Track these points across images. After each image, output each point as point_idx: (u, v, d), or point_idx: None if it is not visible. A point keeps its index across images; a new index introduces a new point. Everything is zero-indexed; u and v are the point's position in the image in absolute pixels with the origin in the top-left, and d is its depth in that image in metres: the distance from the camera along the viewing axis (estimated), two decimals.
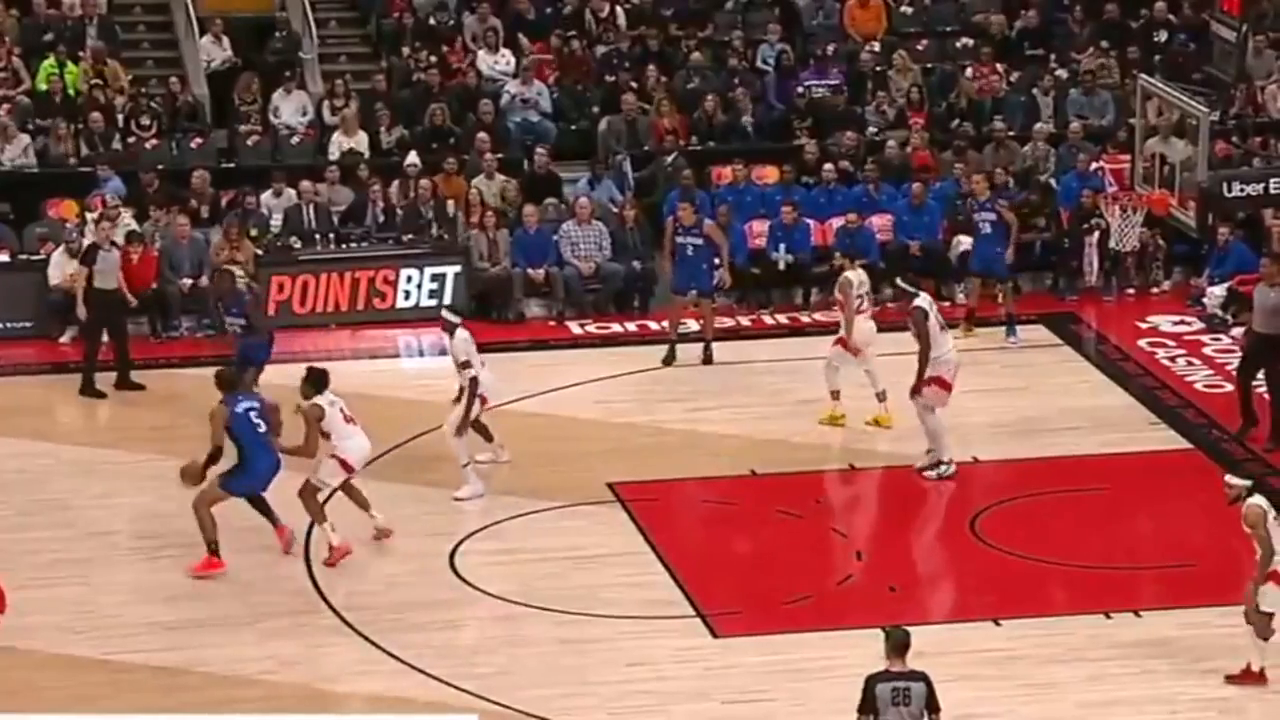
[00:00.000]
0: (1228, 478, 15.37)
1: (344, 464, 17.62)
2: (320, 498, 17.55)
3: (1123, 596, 16.96)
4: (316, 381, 17.71)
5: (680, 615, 16.64)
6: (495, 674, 15.64)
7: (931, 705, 12.81)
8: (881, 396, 20.24)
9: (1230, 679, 15.32)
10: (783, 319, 24.26)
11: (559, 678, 15.60)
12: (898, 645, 12.90)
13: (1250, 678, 15.26)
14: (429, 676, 15.60)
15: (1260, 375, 20.24)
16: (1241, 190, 21.79)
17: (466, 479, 18.74)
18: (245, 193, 24.81)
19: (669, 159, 25.95)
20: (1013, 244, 23.10)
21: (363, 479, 19.20)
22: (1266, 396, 20.19)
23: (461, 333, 18.83)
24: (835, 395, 20.43)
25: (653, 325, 23.86)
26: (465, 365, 18.70)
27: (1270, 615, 15.18)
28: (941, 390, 19.14)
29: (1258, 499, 15.13)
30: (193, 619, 16.60)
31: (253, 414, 17.29)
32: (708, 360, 22.22)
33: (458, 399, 18.89)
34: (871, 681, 12.78)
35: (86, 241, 22.97)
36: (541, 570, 17.45)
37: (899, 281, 20.27)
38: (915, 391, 19.03)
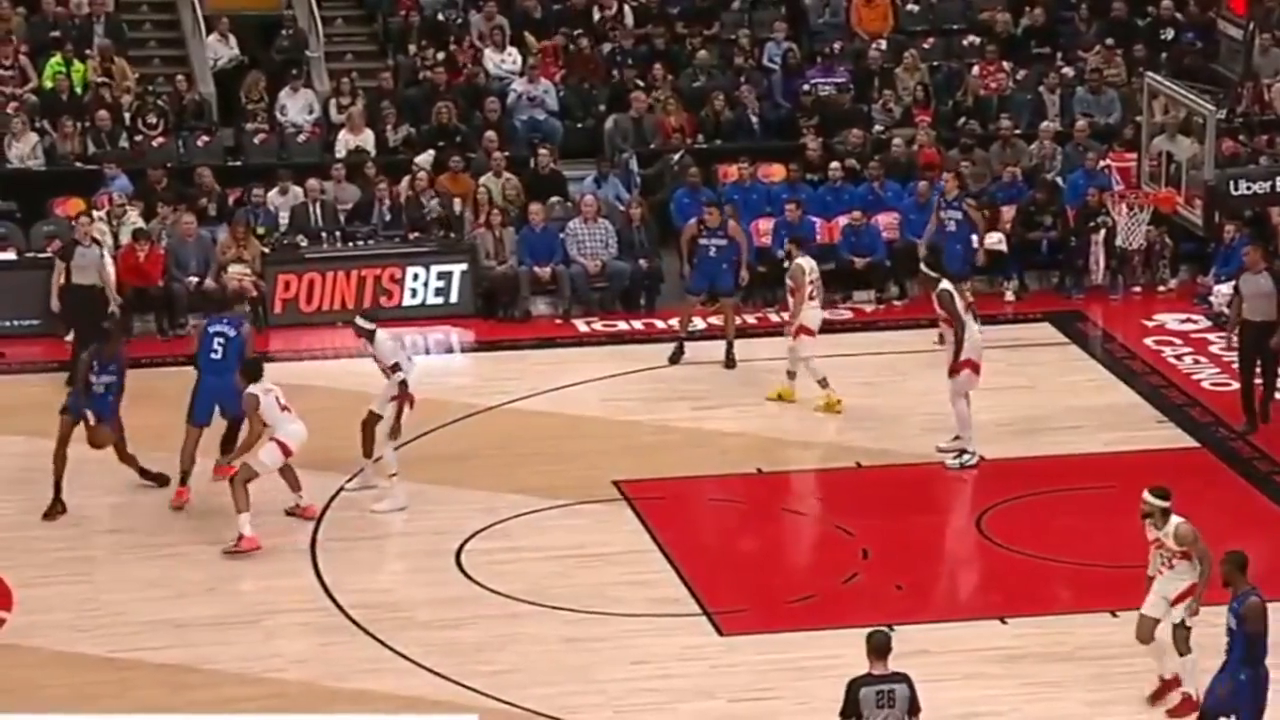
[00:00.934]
0: (1145, 494, 14.84)
1: (284, 448, 17.91)
2: (252, 485, 17.73)
3: (1128, 595, 16.89)
4: (251, 372, 18.05)
5: (686, 613, 16.64)
6: (502, 672, 15.64)
7: (913, 707, 12.83)
8: (792, 376, 20.72)
9: (1170, 713, 14.91)
10: (787, 316, 24.18)
11: (565, 676, 15.61)
12: (879, 648, 12.92)
13: (1188, 706, 14.78)
14: (436, 675, 15.62)
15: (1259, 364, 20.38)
16: (1248, 188, 21.77)
17: (391, 492, 18.64)
18: (252, 191, 24.81)
19: (675, 157, 25.95)
20: (980, 244, 23.02)
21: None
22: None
23: (381, 334, 18.91)
24: (824, 384, 20.53)
25: (659, 323, 23.86)
26: (395, 368, 18.68)
27: (1187, 630, 14.82)
28: (973, 375, 19.20)
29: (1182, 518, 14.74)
30: (199, 617, 16.62)
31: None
32: (730, 364, 22.07)
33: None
34: (855, 685, 12.79)
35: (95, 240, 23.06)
36: (547, 568, 17.46)
37: (923, 267, 20.34)
38: (954, 372, 19.05)
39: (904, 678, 12.86)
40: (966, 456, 19.36)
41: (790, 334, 21.02)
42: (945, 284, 19.46)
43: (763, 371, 22.22)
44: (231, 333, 18.70)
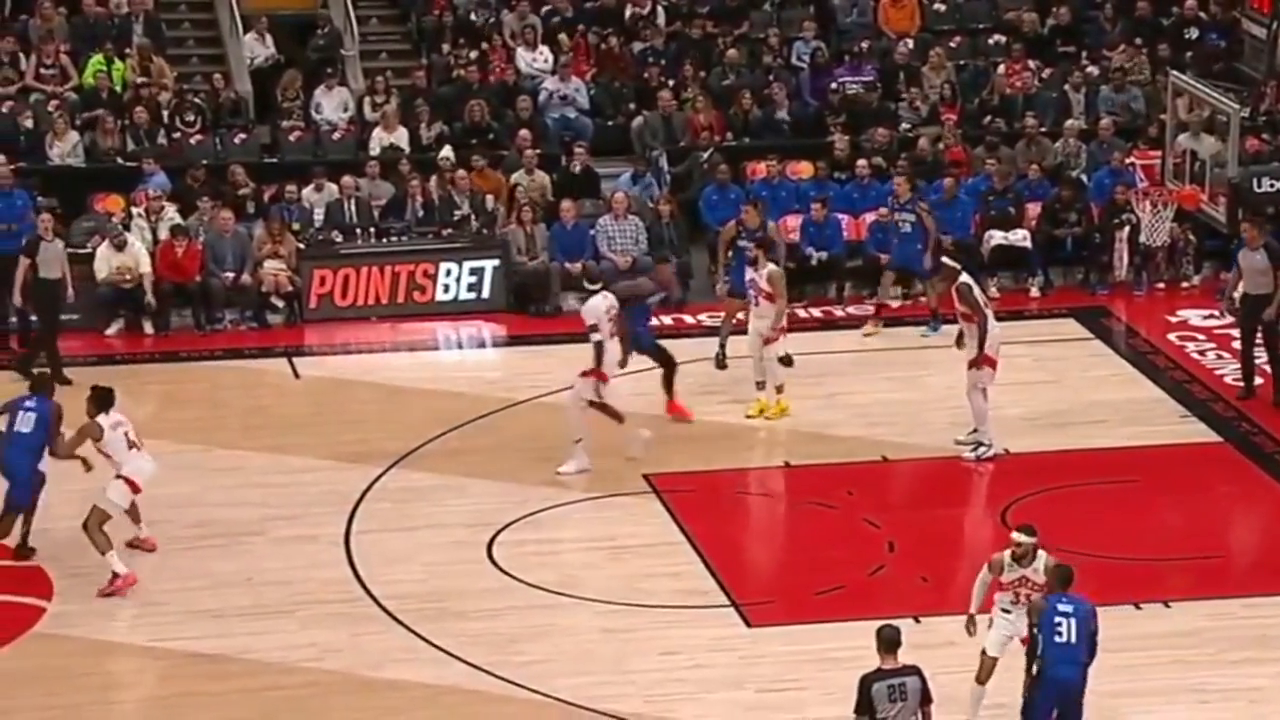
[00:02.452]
0: (1016, 535, 14.43)
1: (131, 485, 16.98)
2: (108, 526, 16.93)
3: (1152, 587, 16.93)
4: (100, 401, 17.10)
5: (715, 605, 16.64)
6: (534, 662, 15.66)
7: (925, 698, 12.81)
8: (762, 386, 20.38)
9: None
10: (816, 313, 24.23)
11: (597, 666, 15.62)
12: (889, 642, 12.90)
13: None
14: (469, 665, 15.63)
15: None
16: (1272, 186, 21.80)
17: (575, 453, 18.88)
18: (287, 187, 24.86)
19: (705, 155, 25.94)
20: (930, 247, 22.92)
21: (401, 470, 19.36)
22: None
23: (597, 299, 19.23)
24: (762, 386, 20.41)
25: (688, 319, 23.86)
26: (593, 329, 18.98)
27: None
28: (990, 369, 19.17)
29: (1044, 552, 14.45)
30: (237, 607, 16.66)
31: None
32: (788, 361, 21.41)
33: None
34: (867, 681, 12.78)
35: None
36: (579, 560, 17.47)
37: (944, 259, 20.27)
38: (976, 364, 19.03)
39: (915, 670, 12.85)
40: (983, 449, 19.35)
41: (763, 340, 20.43)
42: (965, 276, 19.43)
43: (793, 365, 22.21)
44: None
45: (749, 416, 20.40)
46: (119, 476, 16.99)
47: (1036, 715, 13.76)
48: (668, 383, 20.27)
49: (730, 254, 22.78)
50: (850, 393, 21.17)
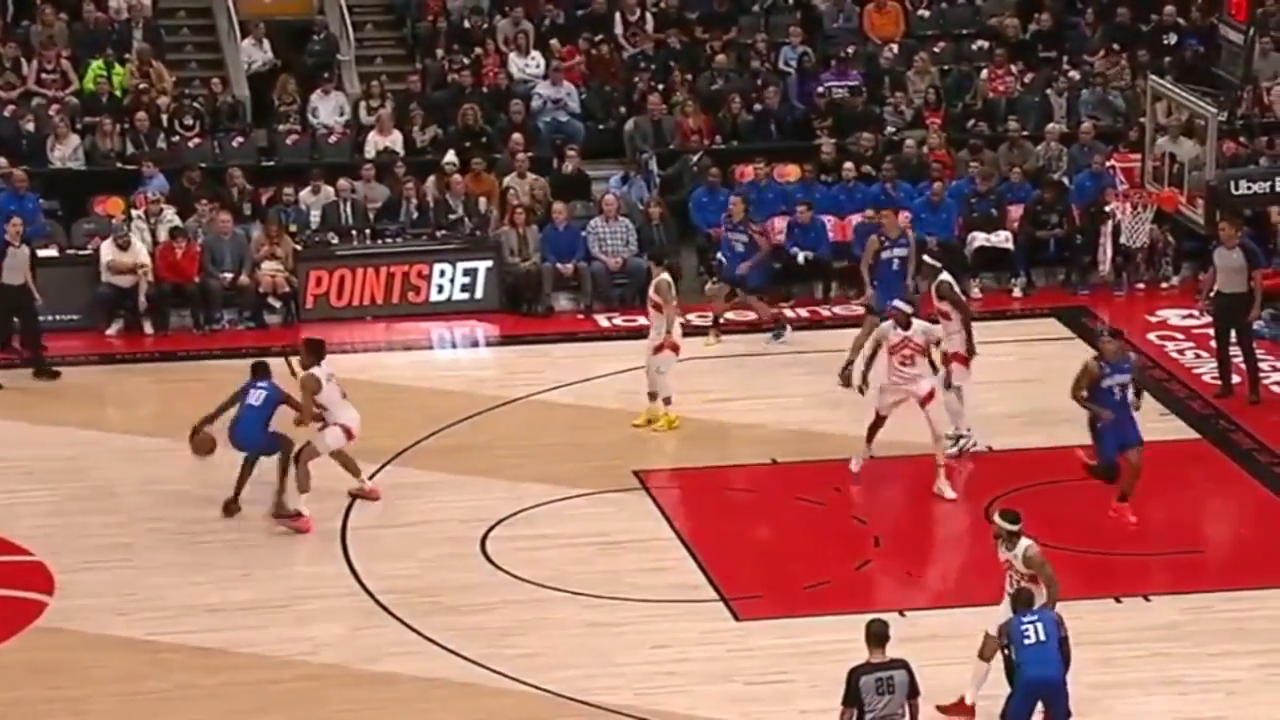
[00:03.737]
0: (995, 518, 14.57)
1: (348, 431, 17.99)
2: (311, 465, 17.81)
3: (1132, 581, 16.96)
4: (315, 352, 18.03)
5: (704, 599, 16.66)
6: (526, 655, 15.67)
7: (913, 690, 12.83)
8: (653, 397, 20.02)
9: (941, 709, 14.49)
10: (803, 312, 24.25)
11: (587, 659, 15.63)
12: (877, 636, 12.92)
13: (961, 709, 14.55)
14: (462, 658, 15.65)
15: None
16: (1248, 188, 21.78)
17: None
18: (284, 190, 24.86)
19: (694, 158, 25.96)
20: (759, 262, 22.93)
21: (396, 467, 19.38)
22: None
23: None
24: (654, 397, 20.11)
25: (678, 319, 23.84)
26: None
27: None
28: (962, 366, 19.20)
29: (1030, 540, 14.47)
30: (235, 601, 16.66)
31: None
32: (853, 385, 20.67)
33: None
34: (855, 674, 12.79)
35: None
36: (570, 555, 17.48)
37: (924, 258, 20.30)
38: (950, 362, 19.05)
39: (903, 664, 12.87)
40: (964, 441, 19.38)
41: (654, 350, 20.10)
42: (945, 275, 19.47)
43: (780, 365, 22.26)
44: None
45: (635, 425, 20.09)
46: (336, 424, 17.82)
47: (1014, 716, 13.73)
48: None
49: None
50: (837, 391, 21.16)
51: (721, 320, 22.99)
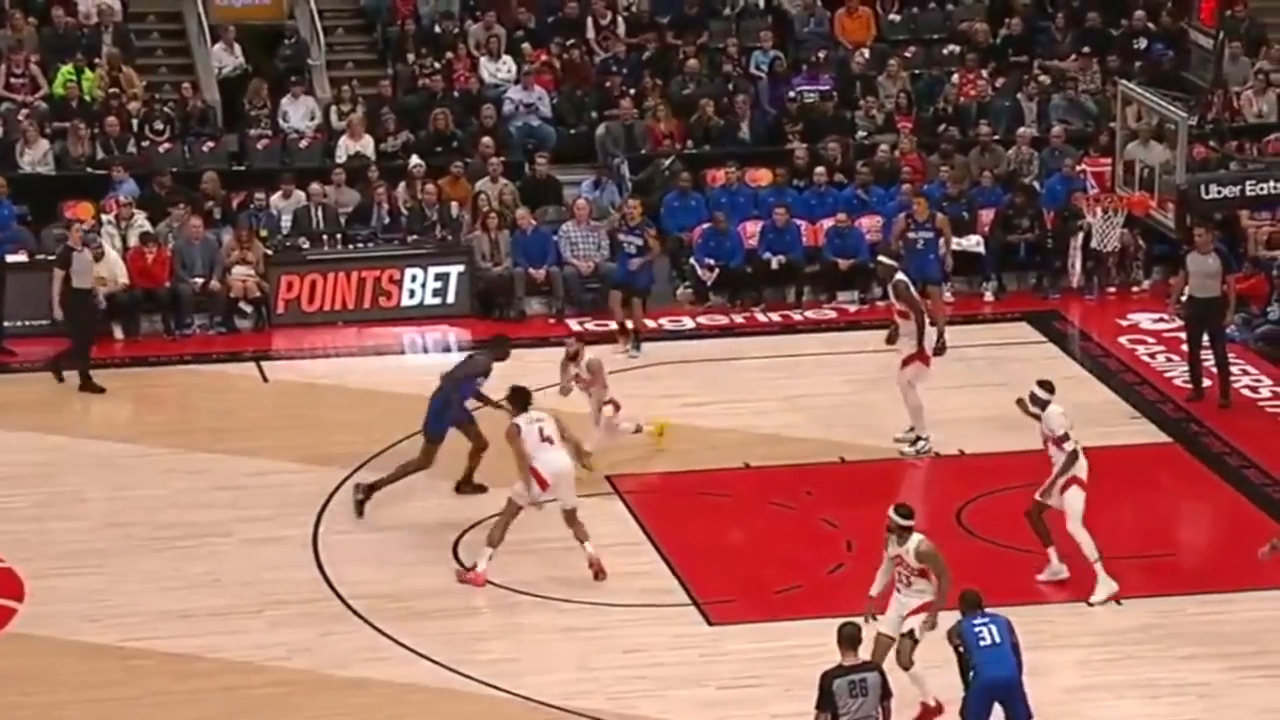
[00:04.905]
0: (890, 512, 14.66)
1: (538, 477, 16.81)
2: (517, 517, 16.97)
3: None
4: (518, 401, 17.18)
5: (676, 604, 16.64)
6: (498, 661, 15.65)
7: (885, 692, 12.83)
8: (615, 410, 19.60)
9: None
10: (775, 316, 24.27)
11: (560, 664, 15.61)
12: (849, 639, 12.94)
13: (930, 713, 14.59)
14: (434, 663, 15.61)
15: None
16: (1219, 192, 21.85)
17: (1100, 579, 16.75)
18: (255, 194, 24.80)
19: (666, 162, 25.96)
20: (647, 264, 22.95)
21: (370, 470, 19.31)
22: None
23: (1054, 407, 16.88)
24: (639, 429, 19.79)
25: (649, 323, 23.85)
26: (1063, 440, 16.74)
27: (914, 642, 14.56)
28: (924, 366, 19.23)
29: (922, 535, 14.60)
30: (205, 607, 16.61)
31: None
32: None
33: None
34: (828, 678, 12.80)
35: (105, 243, 23.03)
36: (543, 560, 17.45)
37: (880, 258, 20.33)
38: (913, 361, 19.12)
39: (875, 666, 12.88)
40: (922, 444, 19.41)
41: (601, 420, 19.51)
42: (900, 275, 19.50)
43: (754, 369, 22.27)
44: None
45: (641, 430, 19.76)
46: (530, 469, 16.81)
47: (972, 717, 13.73)
48: None
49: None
50: (808, 395, 21.20)
51: (629, 326, 22.76)
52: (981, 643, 13.56)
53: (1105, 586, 16.60)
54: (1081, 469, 16.74)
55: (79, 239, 22.01)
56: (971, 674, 13.67)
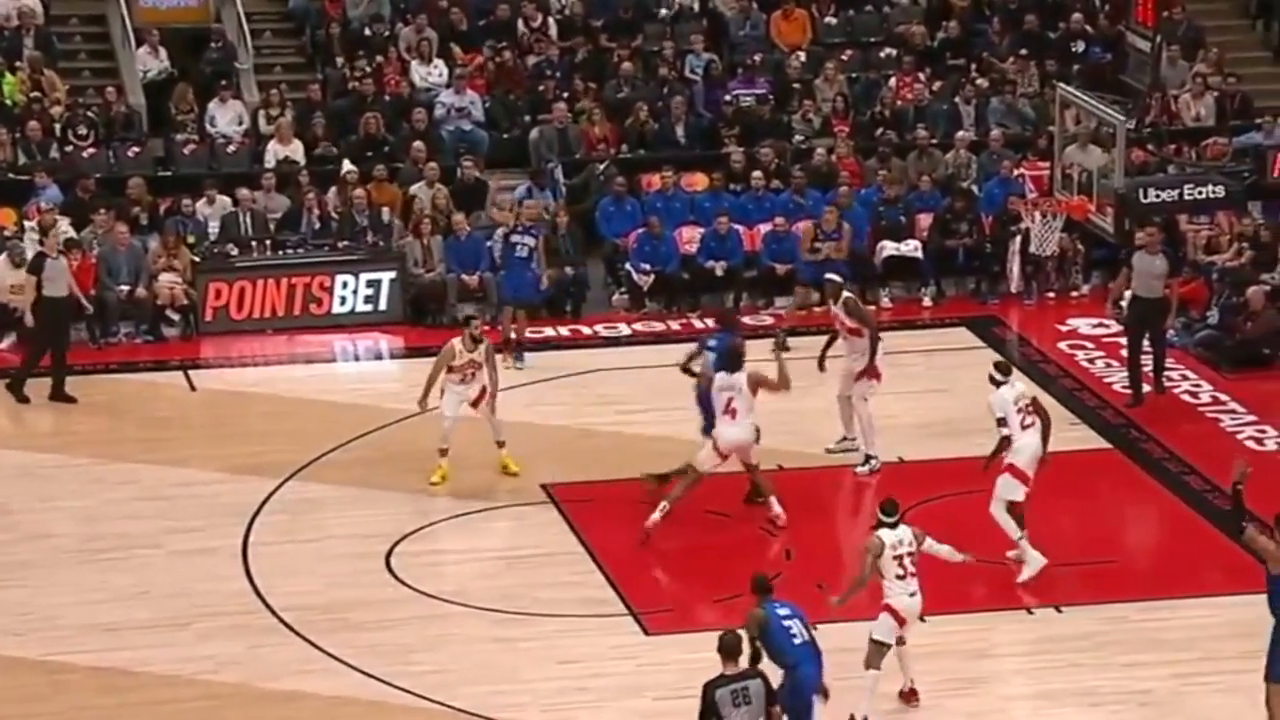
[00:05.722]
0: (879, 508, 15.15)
1: (716, 448, 17.89)
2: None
3: (1044, 592, 17.05)
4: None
5: (613, 614, 16.65)
6: (432, 672, 15.62)
7: (770, 699, 12.86)
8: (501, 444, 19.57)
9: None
10: (711, 323, 24.20)
11: (495, 675, 15.59)
12: (729, 648, 12.97)
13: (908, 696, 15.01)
14: (367, 676, 15.56)
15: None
16: (1157, 196, 21.95)
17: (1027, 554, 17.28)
18: (182, 200, 24.67)
19: (600, 167, 25.96)
20: (543, 274, 22.94)
21: (299, 482, 19.26)
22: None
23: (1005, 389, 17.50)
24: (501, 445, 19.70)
25: (585, 330, 23.88)
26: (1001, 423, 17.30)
27: (883, 645, 14.86)
28: (876, 381, 19.29)
29: (886, 531, 14.90)
30: (133, 620, 16.52)
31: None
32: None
33: None
34: (710, 688, 12.82)
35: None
36: (476, 570, 17.44)
37: (829, 275, 20.33)
38: (865, 375, 19.20)
39: (758, 674, 12.91)
40: (874, 462, 19.46)
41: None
42: (849, 291, 19.56)
43: (684, 377, 22.21)
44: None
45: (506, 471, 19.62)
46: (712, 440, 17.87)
47: (796, 713, 13.79)
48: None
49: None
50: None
51: (515, 337, 22.63)
52: (795, 640, 13.65)
53: (1034, 563, 16.85)
54: (1020, 457, 17.06)
55: (54, 245, 21.86)
56: (789, 671, 13.66)
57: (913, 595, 14.90)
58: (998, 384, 17.35)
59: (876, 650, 14.82)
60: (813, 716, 13.74)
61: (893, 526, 14.96)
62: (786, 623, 13.71)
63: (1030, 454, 17.16)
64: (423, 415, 19.39)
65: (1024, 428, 17.21)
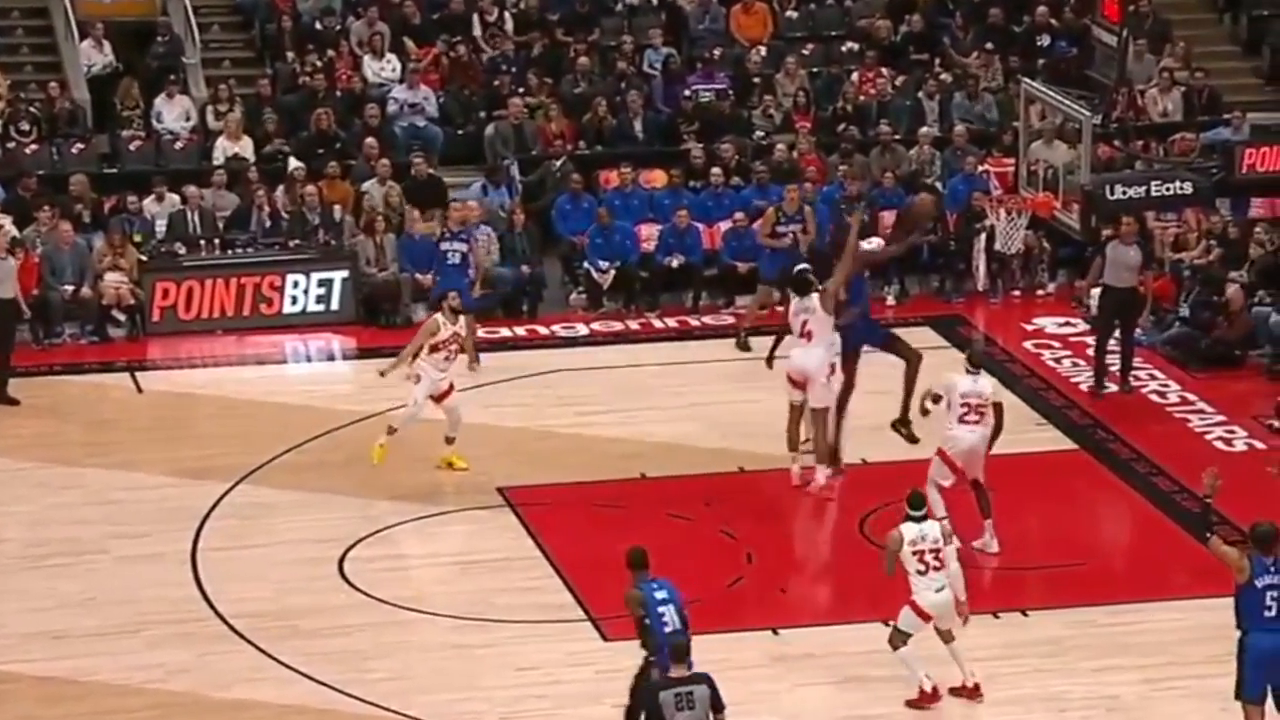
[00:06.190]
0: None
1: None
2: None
3: (1010, 596, 17.12)
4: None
5: (571, 619, 16.65)
6: (387, 680, 15.60)
7: (716, 705, 12.90)
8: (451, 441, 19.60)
9: (910, 703, 15.13)
10: (671, 322, 24.31)
11: (451, 683, 15.57)
12: (678, 651, 13.00)
13: (925, 698, 15.10)
14: (318, 683, 15.54)
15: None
16: (1124, 193, 22.05)
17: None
18: (128, 198, 24.60)
19: (557, 164, 25.97)
20: (477, 281, 22.77)
21: (249, 486, 19.22)
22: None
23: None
24: (389, 434, 19.36)
25: (541, 330, 23.88)
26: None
27: (904, 634, 15.07)
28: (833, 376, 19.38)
29: (907, 526, 15.02)
30: (79, 627, 16.46)
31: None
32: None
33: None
34: (654, 690, 12.87)
35: None
36: (431, 575, 17.43)
37: (801, 268, 20.22)
38: (832, 371, 19.24)
39: (704, 678, 12.95)
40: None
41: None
42: (819, 288, 19.55)
43: (648, 376, 22.30)
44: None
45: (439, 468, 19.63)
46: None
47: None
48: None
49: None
50: (707, 404, 21.26)
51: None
52: (666, 627, 13.68)
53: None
54: (950, 446, 17.66)
55: (2, 245, 21.76)
56: (651, 660, 13.74)
57: (939, 590, 14.96)
58: (967, 371, 17.74)
59: (898, 634, 15.04)
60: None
61: (918, 521, 15.00)
62: (661, 609, 13.78)
63: (962, 448, 17.62)
64: (372, 420, 19.39)
65: (961, 420, 17.57)
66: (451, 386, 19.41)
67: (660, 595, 13.78)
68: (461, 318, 19.59)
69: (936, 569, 14.98)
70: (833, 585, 17.96)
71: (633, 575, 13.94)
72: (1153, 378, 22.24)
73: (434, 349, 19.21)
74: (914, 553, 14.96)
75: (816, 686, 15.31)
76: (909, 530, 15.02)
